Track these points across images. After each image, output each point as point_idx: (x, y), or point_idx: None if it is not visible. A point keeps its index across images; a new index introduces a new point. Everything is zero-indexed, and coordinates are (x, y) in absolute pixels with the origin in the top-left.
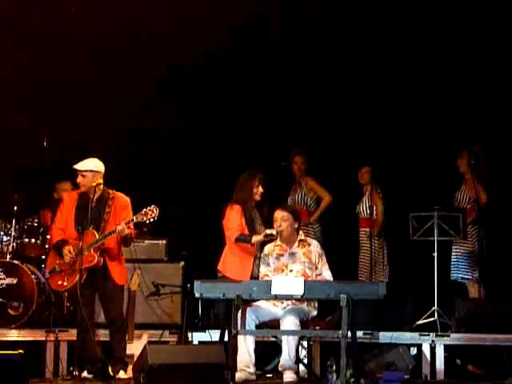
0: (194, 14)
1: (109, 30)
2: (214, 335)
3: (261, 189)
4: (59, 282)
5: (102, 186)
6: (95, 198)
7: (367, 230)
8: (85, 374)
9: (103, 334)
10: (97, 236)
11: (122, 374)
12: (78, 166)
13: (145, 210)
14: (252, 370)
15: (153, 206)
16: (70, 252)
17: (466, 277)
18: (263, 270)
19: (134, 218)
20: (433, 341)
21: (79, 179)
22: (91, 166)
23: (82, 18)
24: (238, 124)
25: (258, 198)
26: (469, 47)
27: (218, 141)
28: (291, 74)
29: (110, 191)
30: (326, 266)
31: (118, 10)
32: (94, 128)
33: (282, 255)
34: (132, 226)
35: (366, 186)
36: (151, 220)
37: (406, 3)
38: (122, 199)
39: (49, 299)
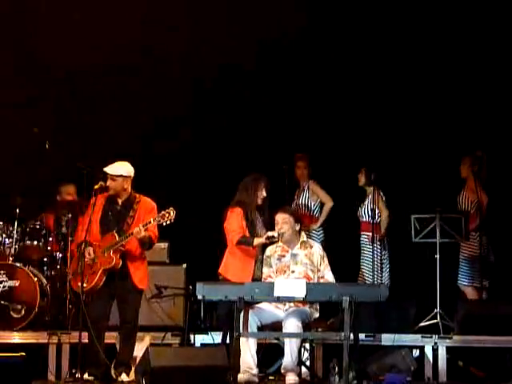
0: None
1: (116, 40)
2: (216, 337)
3: (264, 193)
4: (79, 283)
5: (129, 190)
6: (122, 201)
7: (369, 233)
8: (86, 376)
9: (108, 336)
10: (117, 238)
11: (124, 377)
12: (109, 170)
13: (162, 212)
14: (254, 371)
15: (170, 209)
16: (89, 254)
17: (464, 283)
18: (266, 271)
19: (152, 219)
20: (435, 343)
21: (109, 183)
22: (122, 171)
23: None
24: (240, 128)
25: (260, 202)
26: (471, 51)
27: (219, 144)
28: (293, 77)
29: (137, 195)
30: (329, 267)
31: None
32: (97, 131)
33: (284, 256)
34: (153, 229)
35: (368, 189)
36: (168, 222)
37: (408, 9)
38: (148, 203)
39: (52, 301)
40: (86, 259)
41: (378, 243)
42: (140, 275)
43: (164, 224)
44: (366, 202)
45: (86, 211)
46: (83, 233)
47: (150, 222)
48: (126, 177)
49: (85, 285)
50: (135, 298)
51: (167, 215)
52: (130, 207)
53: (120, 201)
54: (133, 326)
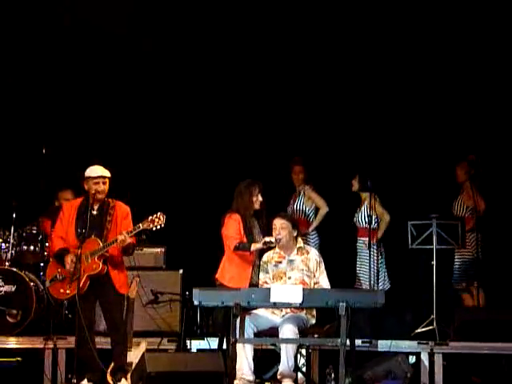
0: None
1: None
2: (212, 343)
3: (260, 198)
4: (61, 290)
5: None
6: (96, 206)
7: (366, 239)
8: (85, 382)
9: (103, 342)
10: (100, 244)
11: (123, 383)
12: (106, 173)
13: (151, 217)
14: (251, 378)
15: (159, 214)
16: (72, 261)
17: (459, 287)
18: (262, 277)
19: (141, 225)
20: (431, 349)
21: (102, 187)
22: (108, 172)
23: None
24: (236, 133)
25: (257, 206)
26: (466, 56)
27: (216, 149)
28: (290, 83)
29: (110, 200)
30: (324, 274)
31: None
32: (93, 136)
33: (281, 262)
34: (133, 235)
35: (362, 195)
36: (158, 227)
37: (404, 19)
38: (123, 208)
39: (47, 307)
40: (68, 266)
41: (375, 248)
42: (121, 280)
43: (154, 229)
44: (362, 207)
45: (58, 217)
46: (59, 240)
47: (138, 227)
48: (110, 178)
49: (68, 291)
50: (119, 303)
51: (157, 220)
52: (106, 212)
53: (96, 206)
54: (122, 331)
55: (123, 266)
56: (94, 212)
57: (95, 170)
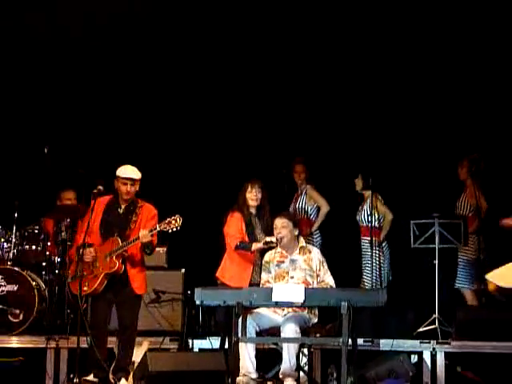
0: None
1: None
2: (214, 342)
3: (254, 193)
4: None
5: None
6: (125, 205)
7: (369, 238)
8: (91, 377)
9: (110, 342)
10: (120, 243)
11: (123, 382)
12: (135, 175)
13: (168, 219)
14: (253, 376)
15: (177, 216)
16: (90, 252)
17: (464, 286)
18: (264, 277)
19: (158, 226)
20: (433, 348)
21: (131, 188)
22: (140, 174)
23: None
24: (239, 133)
25: (253, 203)
26: (468, 55)
27: (218, 149)
28: (293, 82)
29: (139, 200)
30: (329, 272)
31: None
32: (95, 136)
33: (283, 262)
34: (155, 235)
35: (365, 193)
36: (174, 229)
37: (406, 15)
38: (151, 209)
39: (50, 306)
40: (87, 259)
41: (377, 247)
42: (139, 281)
43: (170, 231)
44: (365, 206)
45: (85, 215)
46: (82, 235)
47: (155, 229)
48: (140, 179)
49: (85, 288)
50: (134, 303)
51: (174, 222)
52: (133, 212)
53: (123, 205)
54: (132, 331)
55: (143, 267)
56: (121, 211)
57: (125, 171)
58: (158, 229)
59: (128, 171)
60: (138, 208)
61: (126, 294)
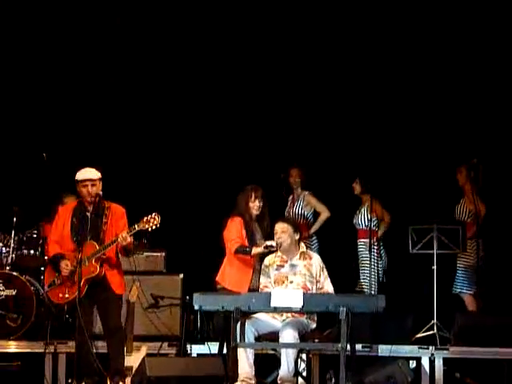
0: None
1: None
2: (212, 347)
3: (257, 203)
4: (60, 295)
5: (98, 197)
6: (92, 208)
7: (366, 240)
8: None
9: (101, 346)
10: (97, 247)
11: None
12: (91, 175)
13: (146, 217)
14: (252, 381)
15: (154, 214)
16: (67, 265)
17: (463, 291)
18: (263, 281)
19: (136, 226)
20: (432, 354)
21: (92, 189)
22: (98, 174)
23: None
24: (238, 137)
25: (255, 212)
26: (467, 60)
27: (217, 153)
28: (290, 87)
29: (106, 201)
30: (328, 279)
31: None
32: (94, 140)
33: (283, 266)
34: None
35: (363, 197)
36: (153, 227)
37: (406, 20)
38: (119, 209)
39: (48, 311)
40: (64, 273)
41: (375, 250)
42: (117, 281)
43: (150, 229)
44: (363, 209)
45: (53, 222)
46: (54, 245)
47: (134, 229)
48: (101, 179)
49: (67, 295)
50: (116, 304)
51: (152, 220)
52: (102, 213)
53: (90, 208)
54: (119, 333)
55: (120, 268)
56: (89, 215)
57: (82, 173)
58: (136, 228)
59: (85, 173)
60: (106, 209)
61: (106, 296)
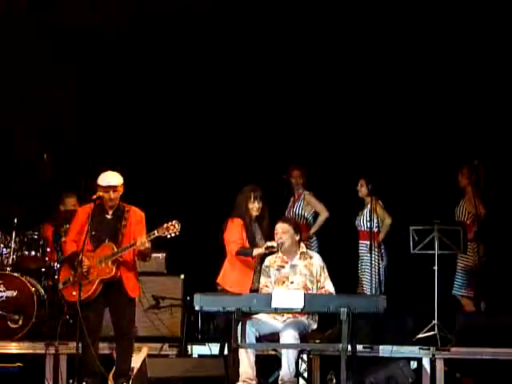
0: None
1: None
2: (213, 348)
3: (257, 204)
4: (73, 293)
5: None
6: (112, 211)
7: (367, 242)
8: None
9: (102, 347)
10: (114, 249)
11: None
12: (114, 182)
13: (166, 224)
14: (253, 382)
15: (174, 221)
16: (85, 262)
17: (460, 293)
18: (263, 281)
19: (156, 231)
20: (433, 355)
21: (113, 195)
22: (120, 179)
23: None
24: (238, 138)
25: (254, 213)
26: (468, 62)
27: (218, 154)
28: (292, 88)
29: (125, 204)
30: (329, 279)
31: None
32: (95, 141)
33: (283, 267)
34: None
35: (366, 198)
36: (172, 235)
37: (407, 20)
38: (138, 213)
39: (49, 312)
40: (79, 270)
41: (376, 252)
42: (132, 284)
43: (169, 237)
44: (365, 211)
45: (72, 221)
46: (72, 243)
47: (153, 234)
48: (123, 184)
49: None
50: (130, 308)
51: (172, 228)
52: (121, 217)
53: (110, 211)
54: (129, 337)
55: (136, 271)
56: (108, 217)
57: (104, 179)
58: (156, 234)
59: (108, 178)
60: (125, 212)
61: (120, 299)
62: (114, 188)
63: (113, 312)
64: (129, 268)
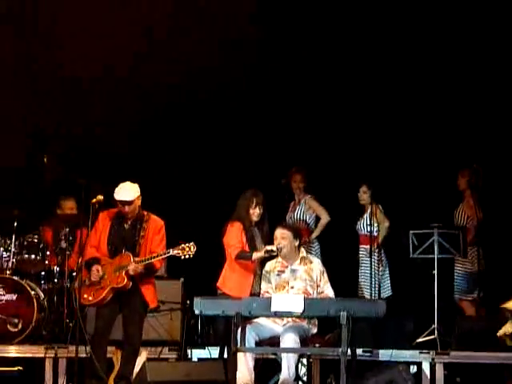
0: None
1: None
2: (213, 352)
3: (258, 210)
4: (85, 296)
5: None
6: (131, 220)
7: (367, 246)
8: None
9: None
10: (132, 259)
11: None
12: (126, 197)
13: (183, 245)
14: None
15: (191, 243)
16: (97, 270)
17: (461, 297)
18: (264, 286)
19: (171, 250)
20: (433, 359)
21: (127, 209)
22: (135, 193)
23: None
24: (238, 142)
25: (255, 218)
26: (469, 65)
27: (217, 158)
28: (292, 92)
29: (145, 213)
30: (328, 283)
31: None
32: (94, 145)
33: (283, 272)
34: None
35: (366, 203)
36: (187, 257)
37: (407, 22)
38: (157, 222)
39: (49, 315)
40: (94, 278)
41: (376, 256)
42: (152, 295)
43: (182, 258)
44: (365, 215)
45: (93, 227)
46: (92, 248)
47: (168, 252)
48: (139, 197)
49: (90, 298)
50: (141, 317)
51: (187, 249)
52: (140, 226)
53: (129, 220)
54: (137, 343)
55: (153, 281)
56: (127, 226)
57: (119, 193)
58: (170, 253)
59: (121, 192)
60: (144, 222)
61: (134, 307)
62: (127, 203)
63: (125, 319)
64: (144, 279)
